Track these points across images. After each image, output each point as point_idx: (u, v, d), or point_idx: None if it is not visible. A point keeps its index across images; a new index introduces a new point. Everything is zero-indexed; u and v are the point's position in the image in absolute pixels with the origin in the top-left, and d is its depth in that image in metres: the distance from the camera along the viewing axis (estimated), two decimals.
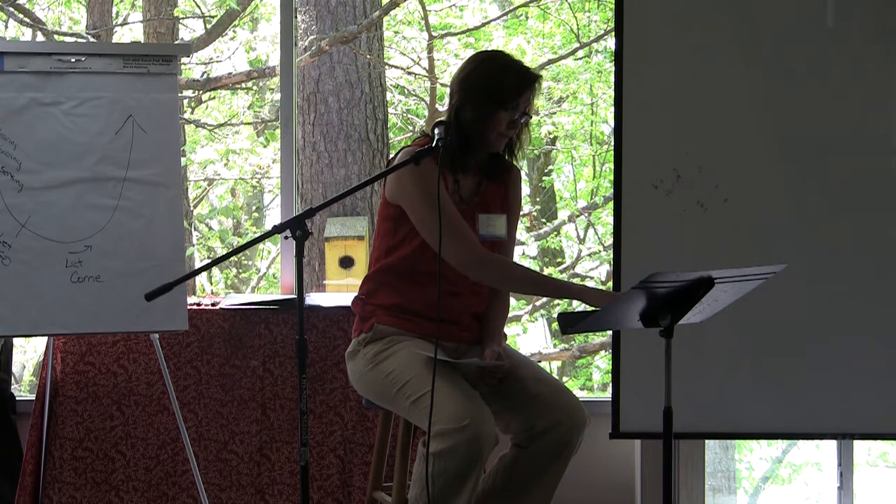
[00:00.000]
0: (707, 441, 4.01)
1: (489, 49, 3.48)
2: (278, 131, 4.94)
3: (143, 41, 7.47)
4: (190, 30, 8.13)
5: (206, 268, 3.23)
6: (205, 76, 7.82)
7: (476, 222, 3.01)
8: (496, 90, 2.93)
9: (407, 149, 3.01)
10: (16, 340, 4.25)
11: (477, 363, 2.90)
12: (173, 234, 3.66)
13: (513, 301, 7.83)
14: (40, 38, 7.24)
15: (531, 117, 3.02)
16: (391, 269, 3.02)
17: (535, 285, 3.11)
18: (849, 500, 3.83)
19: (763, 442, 7.06)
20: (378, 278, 3.05)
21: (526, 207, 8.36)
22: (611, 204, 5.42)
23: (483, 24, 8.32)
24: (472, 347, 3.05)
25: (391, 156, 3.08)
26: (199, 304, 3.99)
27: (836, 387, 3.47)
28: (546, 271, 7.80)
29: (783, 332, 3.50)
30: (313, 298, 4.13)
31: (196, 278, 7.49)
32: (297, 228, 2.57)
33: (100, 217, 3.61)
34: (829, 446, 4.22)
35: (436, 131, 2.85)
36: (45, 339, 3.95)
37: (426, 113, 8.02)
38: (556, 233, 8.33)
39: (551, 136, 8.50)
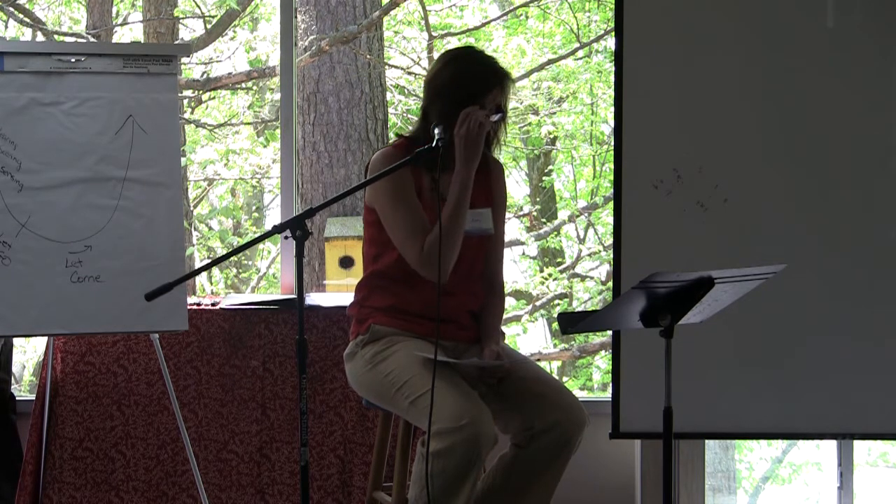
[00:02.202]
0: (707, 441, 4.01)
1: (459, 47, 3.47)
2: (278, 131, 4.95)
3: (143, 41, 7.47)
4: (190, 30, 8.13)
5: (206, 268, 3.23)
6: (205, 76, 7.82)
7: None
8: (459, 92, 2.92)
9: (382, 151, 3.03)
10: (16, 340, 4.25)
11: (476, 363, 2.90)
12: (173, 234, 3.66)
13: (512, 301, 7.84)
14: (40, 38, 7.24)
15: (505, 114, 3.00)
16: (382, 273, 3.02)
17: (453, 217, 2.91)
18: (849, 500, 3.82)
19: (763, 442, 7.06)
20: (371, 282, 3.06)
21: (526, 207, 8.36)
22: (611, 204, 5.42)
23: (483, 24, 8.32)
24: (471, 347, 3.04)
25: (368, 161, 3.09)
26: (199, 304, 3.99)
27: (836, 387, 3.47)
28: (546, 271, 7.81)
29: (783, 332, 3.50)
30: (313, 298, 4.13)
31: (196, 278, 7.49)
32: (297, 228, 2.57)
33: (100, 217, 3.61)
34: (829, 446, 4.22)
35: (436, 131, 2.84)
36: (45, 339, 3.95)
37: None
38: (556, 233, 8.33)
39: (551, 136, 8.51)
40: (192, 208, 7.99)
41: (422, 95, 3.07)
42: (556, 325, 8.30)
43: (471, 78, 2.94)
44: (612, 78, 4.42)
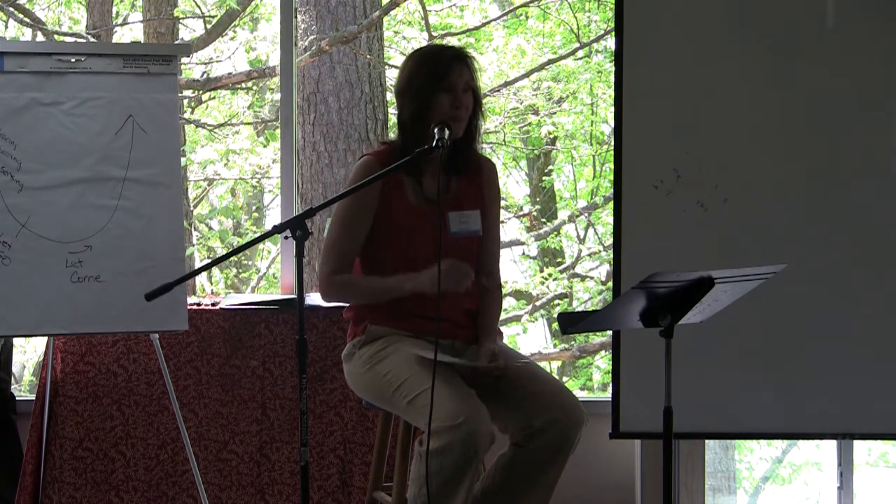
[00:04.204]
0: (707, 441, 4.01)
1: (421, 46, 3.55)
2: (278, 131, 4.95)
3: (143, 41, 7.47)
4: (190, 30, 8.12)
5: (206, 268, 3.23)
6: (205, 76, 7.82)
7: (447, 221, 2.99)
8: (418, 82, 2.95)
9: (363, 160, 3.04)
10: (16, 340, 4.25)
11: (469, 364, 2.89)
12: (173, 234, 3.66)
13: (512, 301, 7.84)
14: (40, 38, 7.24)
15: (478, 97, 3.01)
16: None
17: (379, 293, 3.02)
18: (849, 500, 3.83)
19: (763, 442, 7.06)
20: None
21: (526, 208, 8.36)
22: (611, 204, 5.42)
23: (483, 24, 8.31)
24: (469, 345, 3.04)
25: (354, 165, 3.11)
26: (199, 304, 4.00)
27: (836, 387, 3.47)
28: (546, 271, 7.80)
29: (783, 332, 3.50)
30: (313, 298, 4.12)
31: (196, 278, 7.48)
32: (297, 228, 2.57)
33: (100, 217, 3.61)
34: (829, 446, 4.22)
35: (435, 130, 2.84)
36: (45, 339, 3.95)
37: None
38: (556, 233, 8.32)
39: (551, 136, 8.50)
40: (192, 208, 7.98)
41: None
42: (556, 325, 8.30)
43: (427, 65, 2.98)
44: (612, 78, 4.42)
